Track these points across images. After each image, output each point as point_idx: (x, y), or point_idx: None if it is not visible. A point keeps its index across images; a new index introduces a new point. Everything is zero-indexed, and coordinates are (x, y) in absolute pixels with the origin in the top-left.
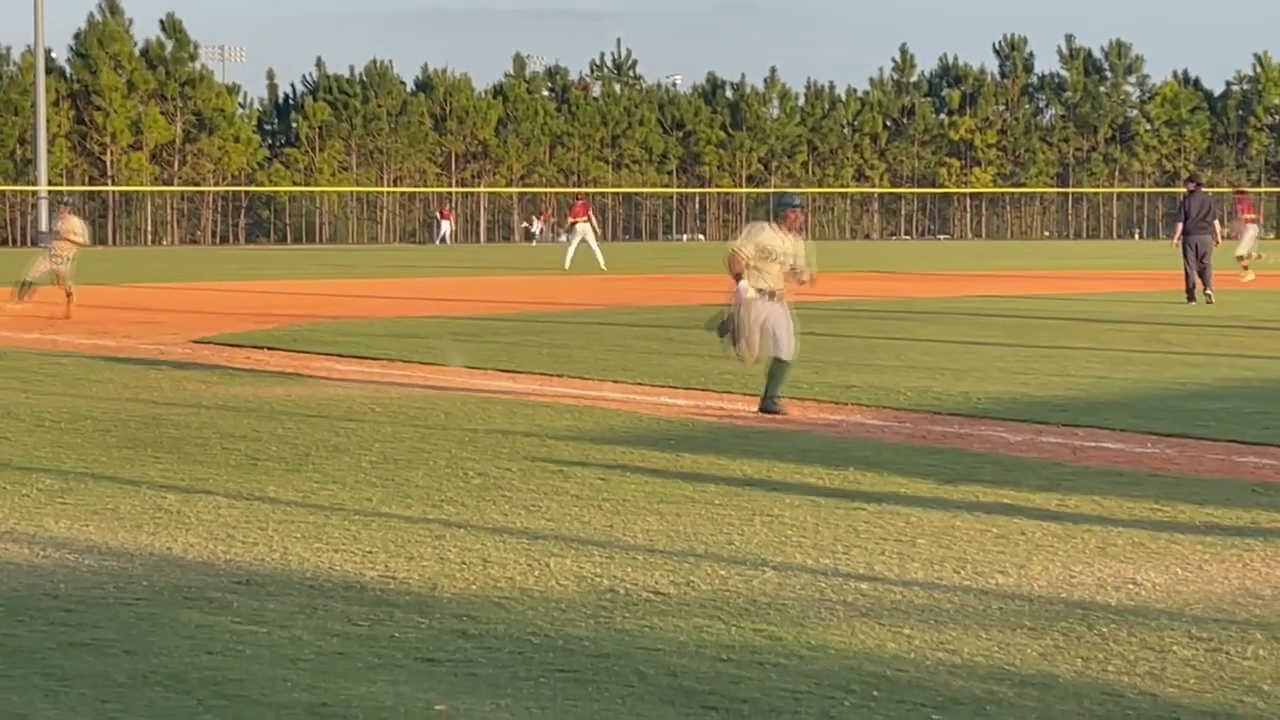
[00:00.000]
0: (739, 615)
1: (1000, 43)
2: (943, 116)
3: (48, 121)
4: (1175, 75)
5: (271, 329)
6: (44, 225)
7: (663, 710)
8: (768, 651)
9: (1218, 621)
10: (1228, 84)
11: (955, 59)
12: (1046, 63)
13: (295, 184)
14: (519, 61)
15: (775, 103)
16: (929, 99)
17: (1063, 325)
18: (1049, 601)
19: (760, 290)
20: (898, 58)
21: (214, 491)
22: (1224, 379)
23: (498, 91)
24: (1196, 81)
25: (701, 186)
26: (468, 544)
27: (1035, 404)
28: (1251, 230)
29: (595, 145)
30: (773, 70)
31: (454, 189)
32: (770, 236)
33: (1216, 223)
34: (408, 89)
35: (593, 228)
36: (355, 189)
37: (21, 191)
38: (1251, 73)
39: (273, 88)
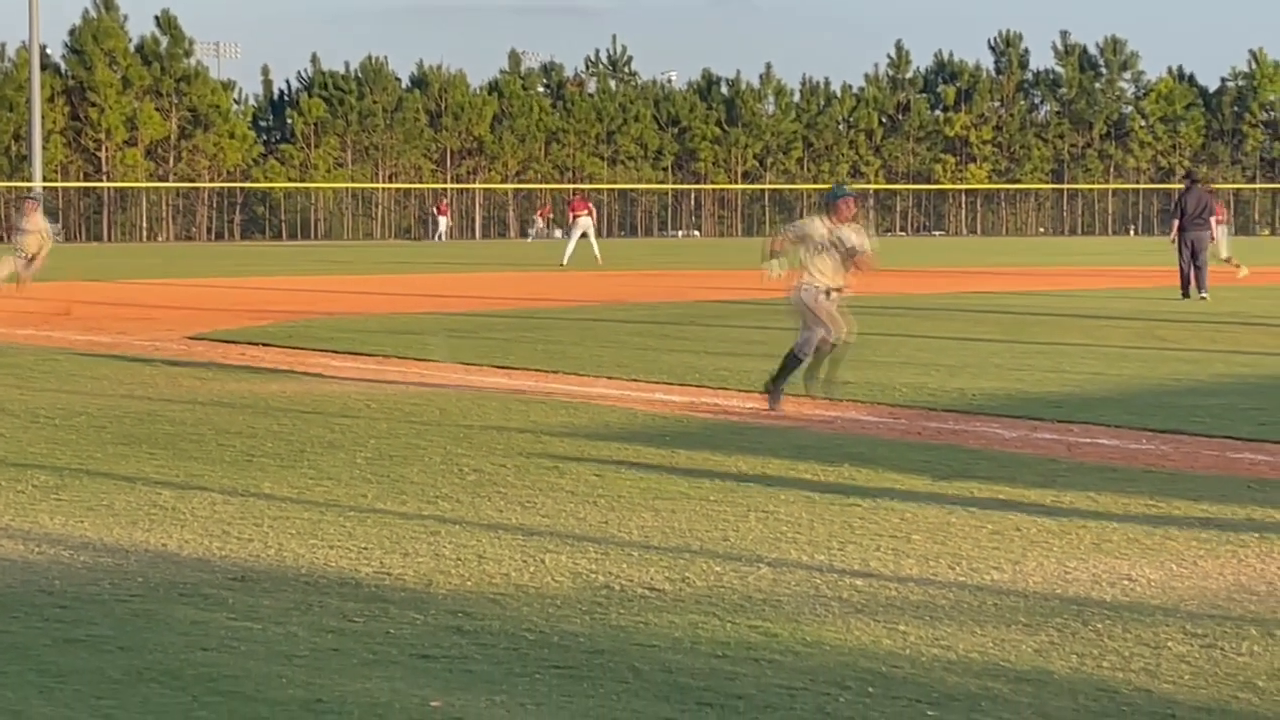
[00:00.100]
0: (734, 611)
1: (995, 39)
2: (938, 113)
3: (42, 118)
4: (1170, 71)
5: (267, 325)
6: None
7: (658, 706)
8: (763, 648)
9: (1213, 617)
10: (1223, 80)
11: (950, 55)
12: (1042, 59)
13: (290, 180)
14: (514, 58)
15: (770, 99)
16: (924, 95)
17: (1058, 321)
18: (1044, 597)
19: (816, 288)
20: (893, 54)
21: (209, 488)
22: (1219, 375)
23: (493, 88)
24: (1191, 78)
25: (697, 183)
26: (463, 540)
27: (1030, 400)
28: (1222, 230)
29: (591, 141)
30: (768, 66)
31: (449, 185)
32: (816, 226)
33: (1213, 219)
34: (403, 85)
35: (593, 223)
36: (350, 185)
37: (16, 188)
38: (1247, 69)
39: (268, 84)
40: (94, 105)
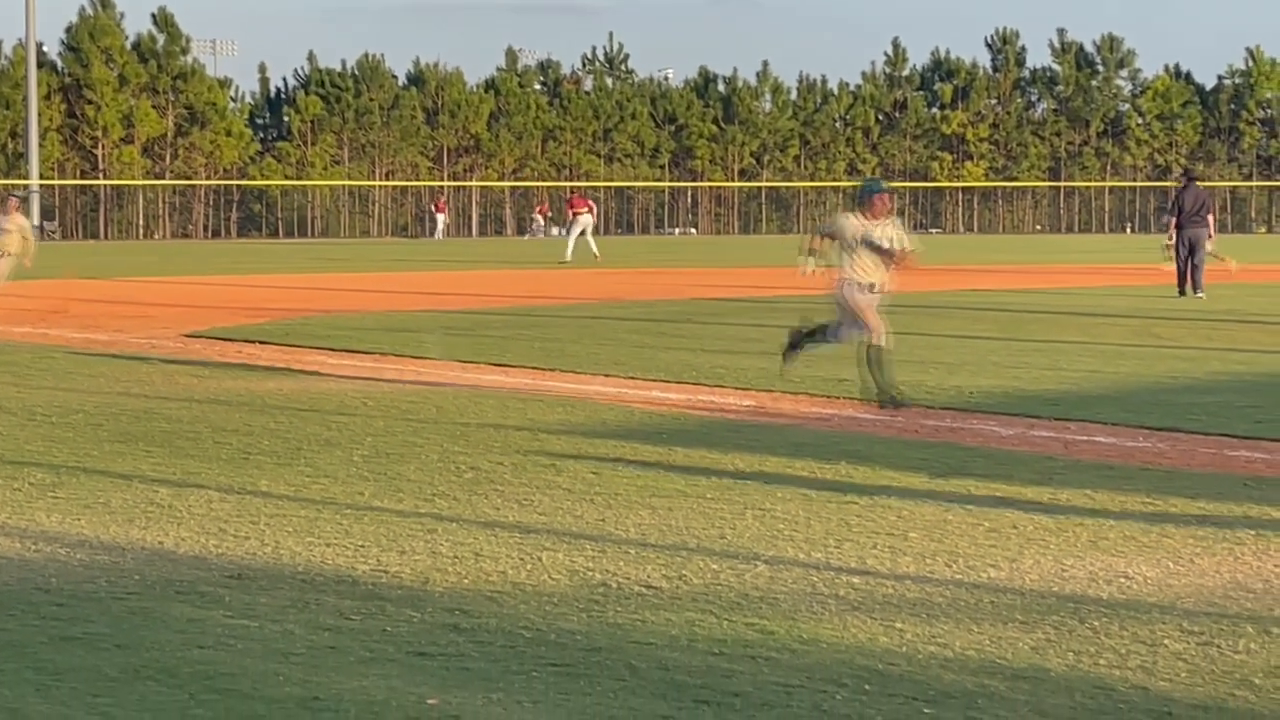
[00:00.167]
0: (731, 609)
1: (992, 37)
2: (935, 110)
3: (39, 115)
4: (1167, 69)
5: (263, 323)
6: (36, 220)
7: (654, 704)
8: (760, 645)
9: (1209, 615)
10: (1219, 78)
11: (947, 53)
12: (1038, 57)
13: (287, 178)
14: (511, 55)
15: (767, 96)
16: (921, 93)
17: (1055, 319)
18: (1041, 595)
19: (859, 284)
20: (890, 52)
21: (206, 485)
22: (1215, 373)
23: (489, 85)
24: (1188, 75)
25: (694, 180)
26: (460, 538)
27: (1027, 398)
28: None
29: (587, 139)
30: (765, 64)
31: (446, 183)
32: (848, 224)
33: (1210, 217)
34: (399, 83)
35: (594, 220)
36: (347, 183)
37: (12, 185)
38: (1243, 67)
39: (264, 81)
40: (90, 103)
